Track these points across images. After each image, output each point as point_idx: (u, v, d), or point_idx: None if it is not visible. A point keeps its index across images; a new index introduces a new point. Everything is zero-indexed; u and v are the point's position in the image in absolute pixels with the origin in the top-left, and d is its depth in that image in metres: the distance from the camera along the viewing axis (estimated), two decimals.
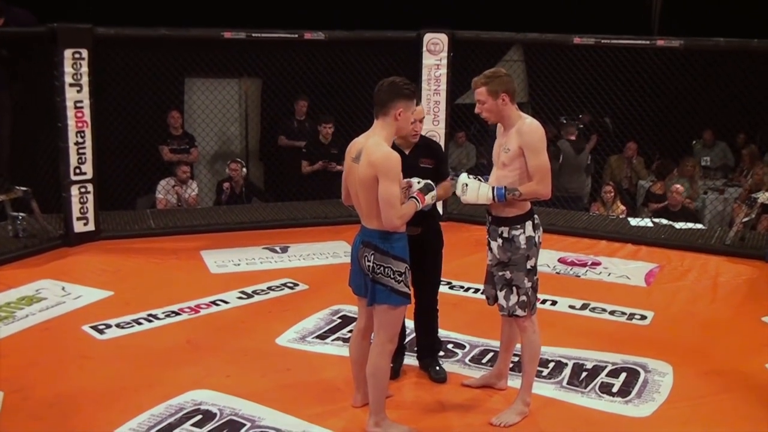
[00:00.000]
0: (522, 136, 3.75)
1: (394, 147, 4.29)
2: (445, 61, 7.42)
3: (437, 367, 4.44)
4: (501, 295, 3.91)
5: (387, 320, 3.71)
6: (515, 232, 3.82)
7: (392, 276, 3.62)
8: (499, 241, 3.86)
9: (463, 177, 3.89)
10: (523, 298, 3.86)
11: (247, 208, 8.05)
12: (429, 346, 4.51)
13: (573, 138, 8.54)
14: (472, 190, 3.83)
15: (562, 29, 7.53)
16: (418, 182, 3.78)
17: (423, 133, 4.34)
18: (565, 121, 8.77)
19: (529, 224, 3.84)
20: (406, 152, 4.20)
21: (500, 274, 3.89)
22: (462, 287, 5.85)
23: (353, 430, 3.86)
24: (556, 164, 8.52)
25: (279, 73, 7.84)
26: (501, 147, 3.86)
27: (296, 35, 7.32)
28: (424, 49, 7.41)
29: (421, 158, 4.22)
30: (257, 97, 9.54)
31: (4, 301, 5.46)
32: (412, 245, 3.80)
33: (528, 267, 3.85)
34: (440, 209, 6.69)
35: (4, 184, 6.44)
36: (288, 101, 8.73)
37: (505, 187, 3.78)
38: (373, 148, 3.55)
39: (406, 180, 3.74)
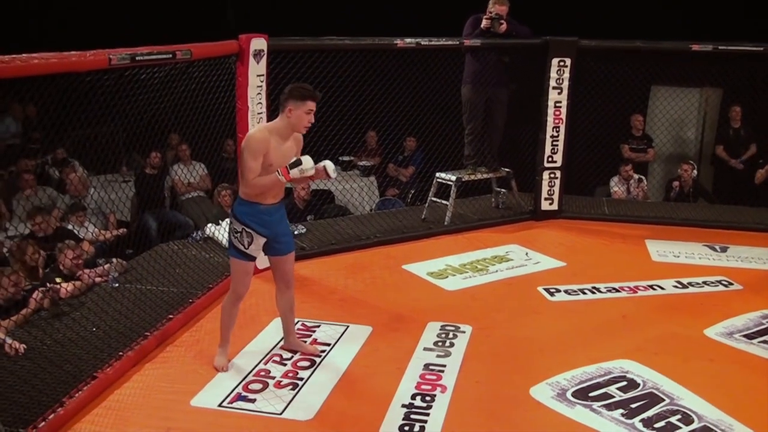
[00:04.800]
0: None
1: None
2: None
3: None
4: None
5: (232, 270, 3.91)
6: None
7: (232, 232, 3.80)
8: None
9: None
10: None
11: (693, 206, 7.71)
12: None
13: None
14: None
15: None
16: (296, 161, 3.68)
17: None
18: None
19: None
20: None
21: None
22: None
23: None
24: None
25: (741, 84, 7.32)
26: None
27: (762, 48, 6.72)
28: None
29: None
30: (716, 105, 9.00)
31: (481, 256, 6.06)
32: None
33: None
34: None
35: (494, 164, 7.01)
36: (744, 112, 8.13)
37: None
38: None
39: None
